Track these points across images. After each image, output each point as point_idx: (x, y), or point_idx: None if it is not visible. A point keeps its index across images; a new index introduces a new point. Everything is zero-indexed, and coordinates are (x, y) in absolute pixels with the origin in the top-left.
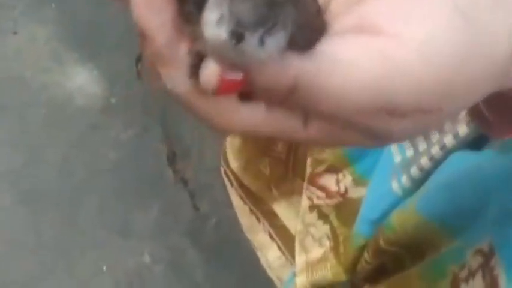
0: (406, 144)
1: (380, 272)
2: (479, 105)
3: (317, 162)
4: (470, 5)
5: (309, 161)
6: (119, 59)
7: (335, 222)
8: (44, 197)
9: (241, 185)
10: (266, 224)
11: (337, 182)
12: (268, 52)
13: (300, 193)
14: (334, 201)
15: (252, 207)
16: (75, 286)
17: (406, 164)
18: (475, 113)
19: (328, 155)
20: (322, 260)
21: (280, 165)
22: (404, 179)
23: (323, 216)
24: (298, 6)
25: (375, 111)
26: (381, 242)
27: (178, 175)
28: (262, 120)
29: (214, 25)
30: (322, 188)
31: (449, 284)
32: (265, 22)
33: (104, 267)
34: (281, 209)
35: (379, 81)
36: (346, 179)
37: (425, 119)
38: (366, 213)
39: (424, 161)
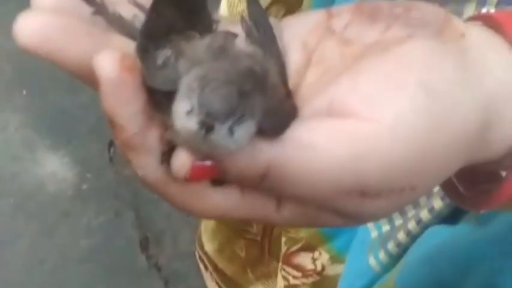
0: (382, 220)
1: None
2: (452, 179)
3: (292, 241)
4: (436, 81)
5: (283, 240)
6: (91, 145)
7: None
8: (14, 286)
9: (216, 268)
10: None
11: (314, 260)
12: (237, 142)
13: (277, 275)
14: (311, 279)
15: None
16: None
17: (383, 240)
18: (449, 187)
19: (303, 233)
20: None
21: (255, 247)
22: (382, 254)
23: None
24: (267, 93)
25: (345, 193)
26: None
27: (152, 261)
28: (236, 204)
29: (184, 116)
30: (298, 267)
31: None
32: (234, 112)
33: None
34: None
35: (347, 163)
36: (323, 257)
37: (399, 197)
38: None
39: (401, 236)
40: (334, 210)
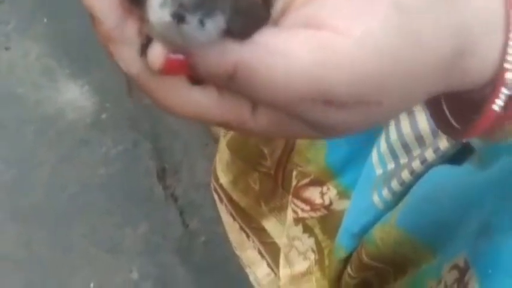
0: (388, 157)
1: (364, 287)
2: (444, 110)
3: (302, 175)
4: (411, 3)
5: (294, 173)
6: (110, 75)
7: (320, 236)
8: (34, 212)
9: (230, 200)
10: (256, 240)
11: (322, 194)
12: (207, 34)
13: (288, 208)
14: (319, 213)
15: (242, 224)
16: None
17: (387, 177)
18: (442, 120)
19: (313, 167)
20: (307, 273)
21: (269, 181)
22: (385, 192)
23: (308, 230)
24: None
25: (310, 101)
26: (364, 257)
27: (168, 192)
28: (213, 104)
29: (157, 8)
30: (306, 201)
31: None
32: (204, 5)
33: (92, 284)
34: (271, 225)
35: (315, 71)
36: (331, 192)
37: (365, 111)
38: (347, 226)
39: (405, 175)
40: (303, 119)
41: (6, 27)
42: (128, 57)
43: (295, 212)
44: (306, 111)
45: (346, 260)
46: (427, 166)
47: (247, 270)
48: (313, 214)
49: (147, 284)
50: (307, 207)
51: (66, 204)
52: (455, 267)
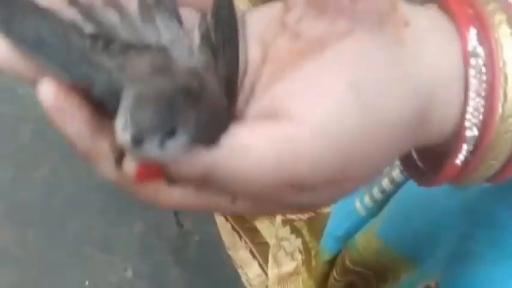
0: None
1: None
2: (413, 156)
3: None
4: (366, 80)
5: None
6: None
7: (307, 237)
8: (30, 210)
9: None
10: (248, 241)
11: None
12: (169, 153)
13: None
14: (306, 215)
15: (234, 224)
16: None
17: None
18: (410, 163)
19: None
20: (295, 273)
21: None
22: (367, 199)
23: (295, 231)
24: (201, 105)
25: (282, 189)
26: (347, 262)
27: None
28: (193, 199)
29: (121, 131)
30: None
31: None
32: (164, 126)
33: (87, 282)
34: (263, 226)
35: (280, 163)
36: None
37: (337, 188)
38: (331, 230)
39: (385, 183)
40: (279, 203)
41: None
42: (105, 168)
43: (283, 214)
44: (279, 198)
45: (332, 262)
46: (406, 176)
47: (240, 270)
48: (301, 216)
49: (142, 283)
50: None
51: (62, 203)
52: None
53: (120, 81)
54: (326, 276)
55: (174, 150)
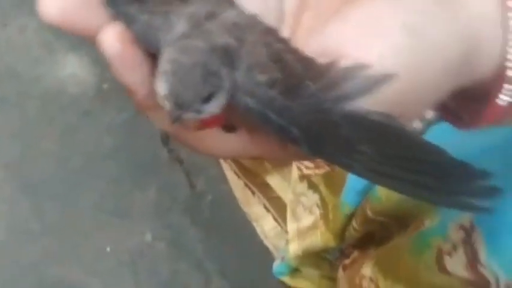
0: None
1: (368, 239)
2: (449, 102)
3: None
4: (417, 20)
5: None
6: None
7: (324, 192)
8: (43, 185)
9: (234, 159)
10: (261, 196)
11: None
12: (207, 115)
13: (291, 165)
14: (323, 171)
15: (246, 181)
16: (81, 269)
17: None
18: (448, 109)
19: None
20: (313, 227)
21: None
22: None
23: (313, 186)
24: (241, 60)
25: None
26: (368, 212)
27: (173, 155)
28: (248, 145)
29: (161, 95)
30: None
31: (434, 256)
32: (199, 96)
33: (108, 249)
34: (274, 181)
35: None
36: None
37: None
38: (352, 184)
39: None
40: None
41: (3, 4)
42: (162, 118)
43: (299, 169)
44: None
45: (351, 215)
46: (427, 123)
47: (254, 224)
48: (317, 171)
49: (161, 245)
50: (311, 165)
51: (73, 174)
52: (461, 227)
53: (159, 38)
54: (345, 228)
55: (212, 111)
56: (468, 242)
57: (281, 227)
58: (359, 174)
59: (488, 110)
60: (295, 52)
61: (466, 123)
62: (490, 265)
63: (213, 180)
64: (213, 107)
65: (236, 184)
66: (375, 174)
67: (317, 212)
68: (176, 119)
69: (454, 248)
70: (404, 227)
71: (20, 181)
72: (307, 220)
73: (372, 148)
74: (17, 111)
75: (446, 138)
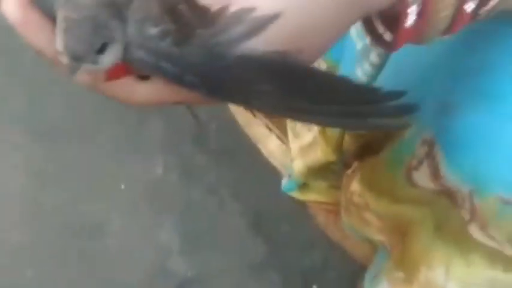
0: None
1: (366, 150)
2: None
3: None
4: None
5: None
6: None
7: None
8: (55, 131)
9: None
10: (262, 117)
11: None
12: (104, 65)
13: None
14: None
15: None
16: (101, 205)
17: (366, 51)
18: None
19: None
20: (313, 143)
21: None
22: (366, 66)
23: None
24: (130, 12)
25: None
26: None
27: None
28: (163, 91)
29: (60, 52)
30: None
31: (404, 172)
32: (92, 48)
33: (122, 186)
34: None
35: None
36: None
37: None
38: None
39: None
40: None
41: None
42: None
43: None
44: None
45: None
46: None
47: (259, 145)
48: None
49: (173, 176)
50: None
51: (82, 120)
52: (425, 141)
53: (53, 1)
54: (341, 141)
55: (108, 61)
56: (430, 156)
57: (286, 145)
58: (261, 110)
59: (400, 30)
60: (189, 2)
61: (390, 45)
62: (449, 177)
63: (214, 109)
64: (109, 58)
65: (236, 108)
66: (278, 109)
67: (315, 128)
68: (74, 71)
69: (420, 162)
70: (390, 139)
71: (31, 128)
72: (307, 137)
73: (273, 85)
74: (16, 64)
75: (407, 52)
